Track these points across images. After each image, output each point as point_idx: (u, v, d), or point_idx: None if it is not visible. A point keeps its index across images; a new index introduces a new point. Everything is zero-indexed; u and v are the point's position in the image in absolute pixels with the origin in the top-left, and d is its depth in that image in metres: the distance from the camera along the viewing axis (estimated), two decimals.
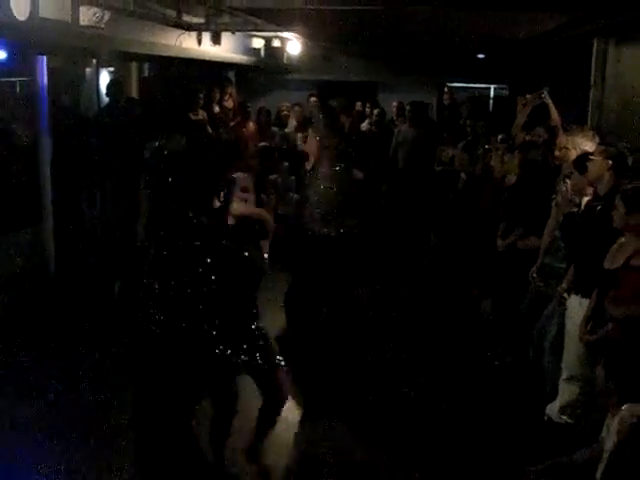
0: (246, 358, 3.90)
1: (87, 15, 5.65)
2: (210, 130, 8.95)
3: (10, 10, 4.72)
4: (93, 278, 7.57)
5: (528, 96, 6.72)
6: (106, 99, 8.74)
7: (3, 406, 5.19)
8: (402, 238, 9.62)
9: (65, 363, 5.91)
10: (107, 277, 7.54)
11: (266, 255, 4.20)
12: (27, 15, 4.88)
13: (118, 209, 8.20)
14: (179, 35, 7.45)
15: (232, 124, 9.79)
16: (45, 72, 7.64)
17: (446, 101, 11.52)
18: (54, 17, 5.30)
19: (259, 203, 4.61)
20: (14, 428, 4.92)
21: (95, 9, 5.69)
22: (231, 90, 10.08)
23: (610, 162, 4.65)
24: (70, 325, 6.58)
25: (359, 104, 11.67)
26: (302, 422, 5.19)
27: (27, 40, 5.57)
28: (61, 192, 8.08)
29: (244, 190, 4.27)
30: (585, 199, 4.99)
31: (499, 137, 7.74)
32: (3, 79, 7.80)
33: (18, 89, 8.34)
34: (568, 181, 5.24)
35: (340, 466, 4.62)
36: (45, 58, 7.57)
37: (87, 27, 5.70)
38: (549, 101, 6.45)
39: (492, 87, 14.49)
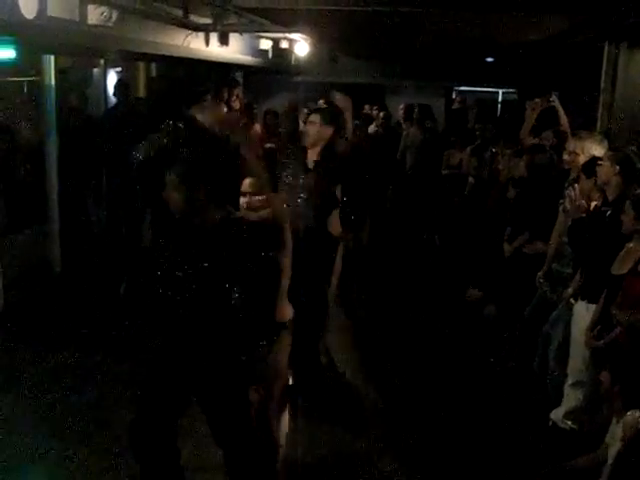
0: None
1: (95, 14, 5.65)
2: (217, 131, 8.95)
3: (18, 8, 4.72)
4: (99, 278, 7.57)
5: (537, 100, 6.70)
6: (113, 99, 8.75)
7: (7, 404, 5.20)
8: (407, 241, 9.61)
9: (69, 362, 5.91)
10: (113, 277, 7.54)
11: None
12: (35, 14, 4.88)
13: (124, 209, 8.21)
14: (187, 35, 7.45)
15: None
16: (53, 72, 7.67)
17: (456, 105, 11.52)
18: (62, 16, 5.30)
19: None
20: (18, 426, 4.91)
21: (103, 8, 5.68)
22: (238, 91, 10.07)
23: (618, 167, 4.62)
24: (75, 324, 6.58)
25: (367, 107, 11.66)
26: (302, 423, 5.17)
27: (34, 39, 5.57)
28: (68, 192, 8.10)
29: (255, 195, 3.98)
30: (593, 204, 4.96)
31: (502, 142, 7.72)
32: (10, 79, 7.81)
33: (26, 89, 8.36)
34: (576, 186, 5.20)
35: (341, 469, 4.61)
36: (53, 58, 7.59)
37: (95, 26, 5.70)
38: (558, 105, 6.42)
39: (500, 91, 14.48)
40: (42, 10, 4.97)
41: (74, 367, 5.82)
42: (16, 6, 4.68)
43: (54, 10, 5.13)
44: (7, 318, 6.65)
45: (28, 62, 7.64)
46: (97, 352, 5.99)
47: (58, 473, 4.45)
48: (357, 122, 10.55)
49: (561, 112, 6.40)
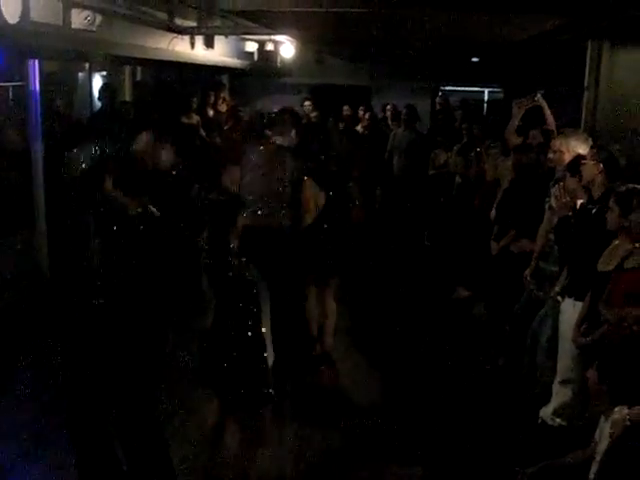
0: None
1: (79, 18, 5.65)
2: (203, 134, 8.95)
3: (0, 13, 4.70)
4: (87, 282, 7.51)
5: (523, 99, 6.71)
6: (99, 103, 8.71)
7: None
8: (396, 241, 9.61)
9: (59, 366, 5.86)
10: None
11: None
12: (18, 18, 4.87)
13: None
14: (172, 39, 7.44)
15: (225, 128, 9.78)
16: (37, 76, 7.63)
17: (438, 106, 11.53)
18: (45, 20, 5.29)
19: None
20: (10, 431, 4.89)
21: (87, 12, 5.68)
22: (224, 94, 10.07)
23: (601, 165, 4.65)
24: (64, 328, 6.53)
25: (346, 108, 11.59)
26: (300, 425, 5.18)
27: (18, 43, 5.55)
28: (54, 196, 8.05)
29: None
30: (579, 202, 4.98)
31: (488, 142, 7.73)
32: None
33: (11, 94, 8.32)
34: (561, 184, 5.21)
35: (335, 468, 4.61)
36: (37, 62, 7.55)
37: (79, 30, 5.69)
38: (544, 104, 6.44)
39: (486, 90, 14.51)
40: (25, 14, 4.96)
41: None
42: None
43: (37, 14, 5.12)
44: None
45: (13, 67, 7.60)
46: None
47: (53, 475, 4.42)
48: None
49: (547, 110, 6.42)
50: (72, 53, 6.82)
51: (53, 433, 4.85)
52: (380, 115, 11.40)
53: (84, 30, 5.78)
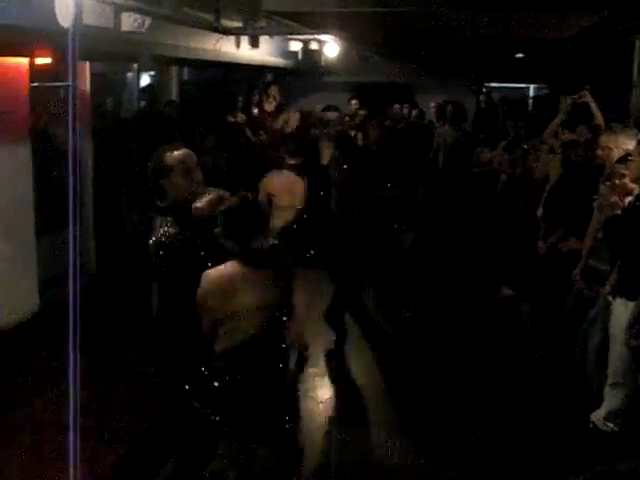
0: None
1: (128, 21, 5.76)
2: (249, 133, 9.03)
3: (55, 18, 4.83)
4: (133, 279, 7.64)
5: (573, 97, 6.62)
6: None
7: (43, 403, 5.27)
8: (440, 240, 9.56)
9: (104, 363, 5.96)
10: (145, 279, 7.59)
11: None
12: (71, 22, 4.97)
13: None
14: (218, 39, 7.52)
15: (269, 126, 9.83)
16: (88, 77, 7.78)
17: (483, 104, 11.45)
18: (97, 24, 5.40)
19: None
20: (53, 425, 4.98)
21: (136, 15, 5.78)
22: (275, 93, 10.07)
23: None
24: (109, 325, 6.64)
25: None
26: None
27: (71, 47, 5.66)
28: (102, 194, 8.21)
29: None
30: (628, 199, 4.90)
31: (536, 139, 7.67)
32: (48, 84, 7.94)
33: (61, 94, 8.48)
34: (609, 183, 5.13)
35: (376, 470, 4.61)
36: (88, 63, 7.71)
37: (129, 33, 5.80)
38: (590, 100, 6.35)
39: (531, 87, 14.37)
40: (78, 19, 5.04)
41: (108, 367, 5.85)
42: (52, 16, 4.79)
43: (89, 18, 5.23)
44: (42, 318, 6.74)
45: (64, 68, 7.75)
46: (131, 352, 6.03)
47: (93, 472, 4.48)
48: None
49: (594, 106, 6.33)
50: (122, 55, 6.95)
51: (98, 427, 4.90)
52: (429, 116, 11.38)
53: (134, 32, 5.88)
